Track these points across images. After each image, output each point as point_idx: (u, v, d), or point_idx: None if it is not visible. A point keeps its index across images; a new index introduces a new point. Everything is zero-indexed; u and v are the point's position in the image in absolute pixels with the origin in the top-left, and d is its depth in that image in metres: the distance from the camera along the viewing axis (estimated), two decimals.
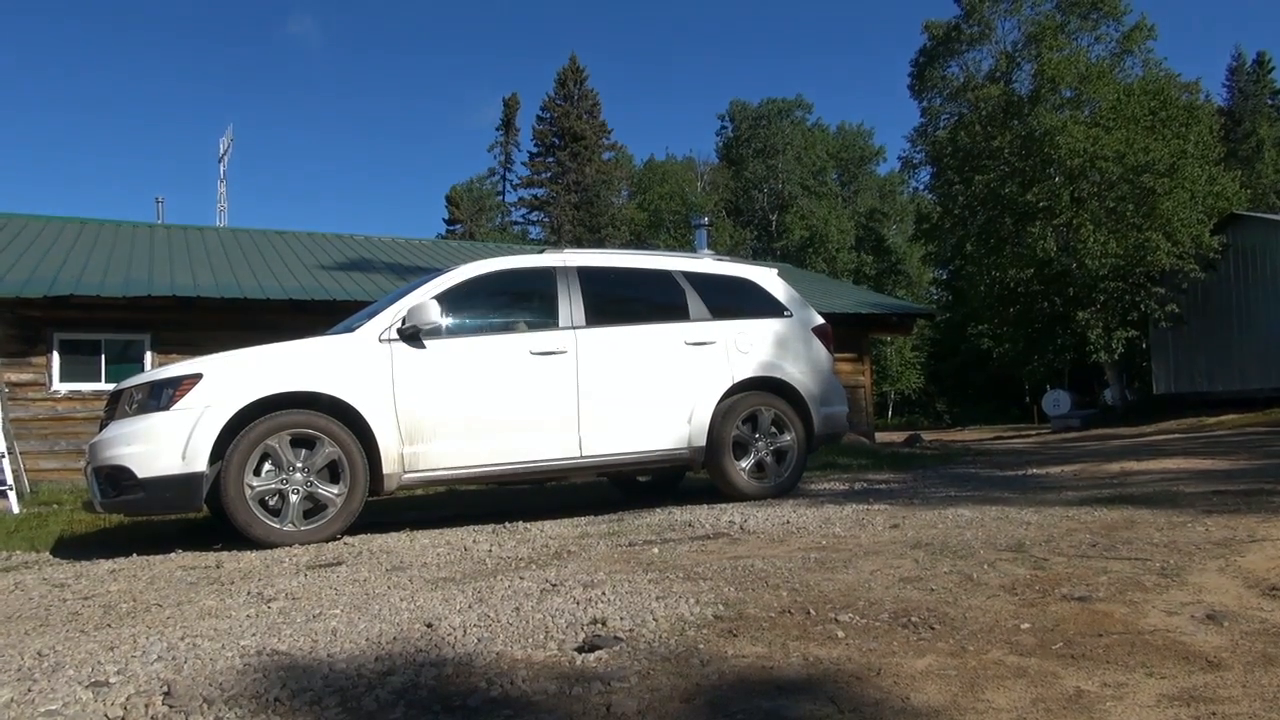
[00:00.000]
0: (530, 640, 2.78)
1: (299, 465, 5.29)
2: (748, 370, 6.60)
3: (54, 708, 2.31)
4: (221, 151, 36.71)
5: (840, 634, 2.70)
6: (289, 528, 5.25)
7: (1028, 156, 25.56)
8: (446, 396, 5.72)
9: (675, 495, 7.19)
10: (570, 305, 6.26)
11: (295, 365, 5.51)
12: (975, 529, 4.37)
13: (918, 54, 31.16)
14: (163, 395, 5.27)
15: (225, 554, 5.04)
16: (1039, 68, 26.18)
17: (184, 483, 5.12)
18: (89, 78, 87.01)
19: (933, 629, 2.69)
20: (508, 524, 5.68)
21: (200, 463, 5.11)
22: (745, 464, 6.56)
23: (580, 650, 2.66)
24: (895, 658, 2.46)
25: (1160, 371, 26.35)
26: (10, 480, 8.71)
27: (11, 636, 3.19)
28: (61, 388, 12.27)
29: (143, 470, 5.12)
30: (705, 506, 6.10)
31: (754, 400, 6.62)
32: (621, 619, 2.96)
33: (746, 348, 6.67)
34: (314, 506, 5.36)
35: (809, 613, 2.93)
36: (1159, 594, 2.92)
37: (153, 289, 12.43)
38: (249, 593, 3.79)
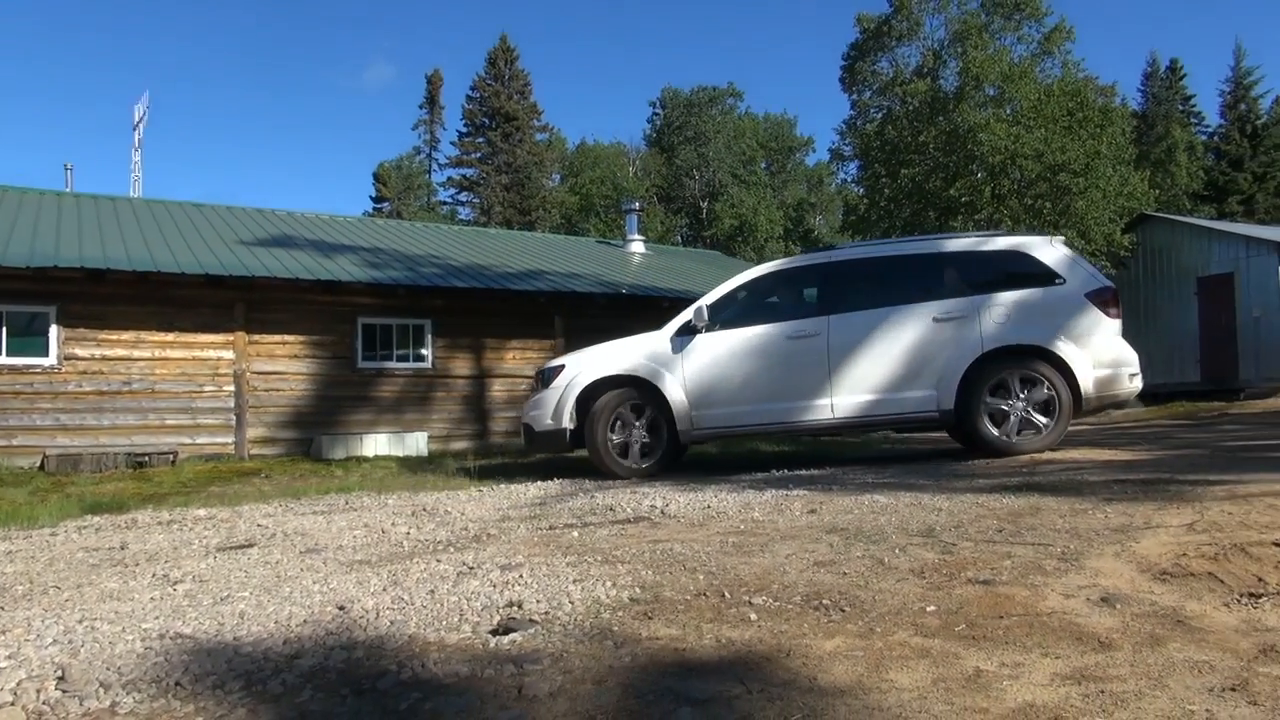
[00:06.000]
0: (444, 623, 2.76)
1: (636, 424, 7.60)
2: (1001, 338, 7.23)
3: None
4: (137, 119, 35.34)
5: (753, 616, 2.73)
6: (631, 465, 7.55)
7: (952, 152, 26.11)
8: (720, 373, 7.52)
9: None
10: (825, 294, 7.69)
11: (618, 355, 7.78)
12: (889, 515, 4.47)
13: (849, 47, 31.55)
14: (547, 377, 7.94)
15: (131, 535, 4.89)
16: (964, 65, 26.75)
17: (558, 434, 7.72)
18: None
19: (843, 611, 2.75)
20: (427, 507, 5.62)
21: (565, 421, 7.65)
22: (999, 424, 7.22)
23: (495, 633, 2.64)
24: (805, 639, 2.50)
25: None
26: None
27: None
28: None
29: (538, 426, 7.83)
30: (628, 491, 6.12)
31: (1008, 365, 7.22)
32: (538, 602, 2.96)
33: (1001, 317, 7.29)
34: (645, 453, 7.65)
35: (724, 596, 2.97)
36: (1058, 578, 3.03)
37: (59, 260, 11.93)
38: (154, 575, 3.68)
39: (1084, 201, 23.83)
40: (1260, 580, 2.87)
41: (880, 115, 30.60)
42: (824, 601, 2.85)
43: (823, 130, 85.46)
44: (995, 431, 7.22)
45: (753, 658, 2.37)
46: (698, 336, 7.58)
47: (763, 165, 56.26)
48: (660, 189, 52.75)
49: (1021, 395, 7.21)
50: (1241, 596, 2.74)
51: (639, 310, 15.41)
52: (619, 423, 7.59)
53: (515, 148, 51.84)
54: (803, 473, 7.04)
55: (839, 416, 7.45)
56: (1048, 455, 6.95)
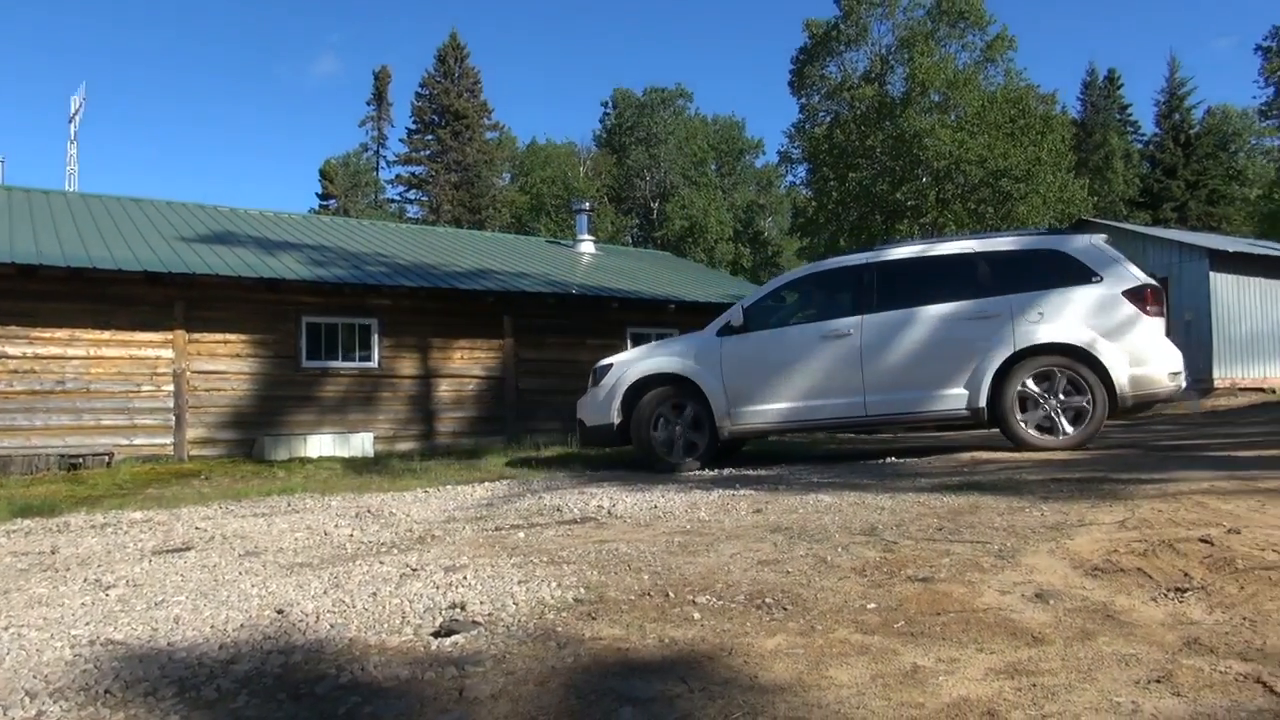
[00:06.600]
0: (385, 626, 2.73)
1: (679, 421, 7.95)
2: (1033, 337, 7.23)
3: None
4: (72, 111, 34.34)
5: (697, 615, 2.75)
6: (674, 460, 7.83)
7: (898, 157, 26.55)
8: (757, 372, 7.80)
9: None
10: (859, 295, 7.81)
11: (662, 354, 8.29)
12: (833, 514, 4.52)
13: (798, 52, 31.92)
14: (598, 375, 8.40)
15: (62, 539, 4.75)
16: (910, 71, 27.21)
17: (607, 429, 8.15)
18: None
19: (785, 610, 2.78)
20: (371, 509, 5.56)
21: (614, 417, 8.07)
22: (1033, 422, 7.26)
23: (437, 635, 2.62)
24: (747, 638, 2.52)
25: None
26: None
27: None
28: None
29: (589, 421, 8.36)
30: (575, 492, 6.11)
31: (1042, 363, 7.24)
32: (481, 603, 2.94)
33: (1035, 317, 7.28)
34: (688, 448, 7.97)
35: (668, 595, 2.98)
36: (994, 574, 3.09)
37: None
38: (86, 580, 3.59)
39: (1025, 206, 24.41)
40: (1186, 575, 2.96)
41: (828, 119, 30.98)
42: (767, 600, 2.88)
43: (771, 133, 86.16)
44: (1028, 430, 7.26)
45: (695, 656, 2.38)
46: (735, 336, 7.88)
47: (713, 167, 56.52)
48: (611, 189, 52.73)
49: (1053, 394, 7.21)
50: (1169, 591, 2.83)
51: (589, 310, 15.40)
52: (662, 419, 7.92)
53: (465, 146, 51.45)
54: (750, 473, 7.09)
55: (871, 414, 7.61)
56: (988, 454, 7.09)
